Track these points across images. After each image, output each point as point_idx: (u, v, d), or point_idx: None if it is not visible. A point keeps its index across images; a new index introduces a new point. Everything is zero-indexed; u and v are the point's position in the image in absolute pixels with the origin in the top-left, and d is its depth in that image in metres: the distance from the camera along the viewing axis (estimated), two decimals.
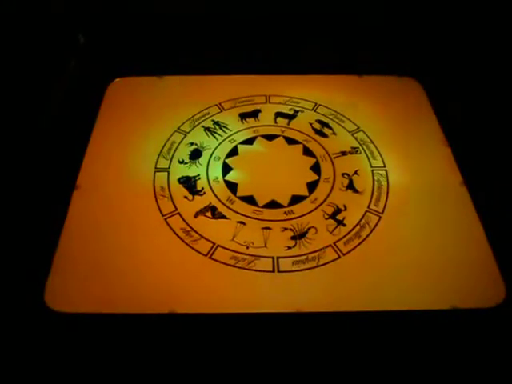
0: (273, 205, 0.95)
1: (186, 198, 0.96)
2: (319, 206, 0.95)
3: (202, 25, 1.24)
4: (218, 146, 1.05)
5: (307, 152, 1.05)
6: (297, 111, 1.12)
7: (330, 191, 0.97)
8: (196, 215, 0.93)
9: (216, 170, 1.01)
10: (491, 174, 1.00)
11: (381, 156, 1.04)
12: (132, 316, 0.80)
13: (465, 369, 0.77)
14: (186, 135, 1.07)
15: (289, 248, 0.89)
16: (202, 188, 0.98)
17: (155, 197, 0.96)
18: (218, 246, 0.89)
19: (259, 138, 1.07)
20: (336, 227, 0.92)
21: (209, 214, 0.94)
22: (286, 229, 0.91)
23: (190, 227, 0.91)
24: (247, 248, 0.89)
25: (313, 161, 1.03)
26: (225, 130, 1.08)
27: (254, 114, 1.12)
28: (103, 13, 1.21)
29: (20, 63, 1.13)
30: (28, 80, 1.11)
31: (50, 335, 0.79)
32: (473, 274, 0.86)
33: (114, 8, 1.21)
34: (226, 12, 1.23)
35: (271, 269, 0.86)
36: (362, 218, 0.93)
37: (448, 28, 1.21)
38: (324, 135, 1.08)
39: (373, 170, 1.01)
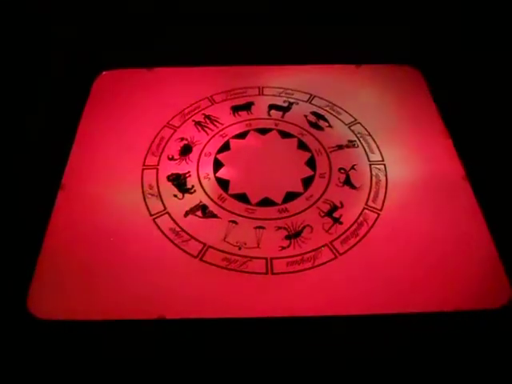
0: (266, 202, 0.91)
1: (175, 196, 0.92)
2: (315, 203, 0.91)
3: (192, 14, 1.19)
4: (209, 141, 1.01)
5: (302, 146, 1.00)
6: (291, 103, 1.08)
7: (326, 187, 0.93)
8: (186, 214, 0.89)
9: (207, 167, 0.97)
10: (495, 167, 0.96)
11: (379, 149, 0.99)
12: (119, 323, 0.77)
13: (470, 373, 0.74)
14: (175, 130, 1.03)
15: (283, 248, 0.85)
16: (193, 186, 0.94)
17: (143, 196, 0.92)
18: (209, 246, 0.85)
19: (252, 131, 1.03)
20: (332, 225, 0.88)
21: (199, 213, 0.90)
22: (280, 228, 0.88)
23: (180, 227, 0.88)
24: (239, 249, 0.85)
25: (308, 155, 0.99)
26: (216, 123, 1.04)
27: (247, 106, 1.07)
28: (87, 5, 1.16)
29: (2, 58, 1.09)
30: (11, 75, 1.07)
31: (33, 344, 0.75)
32: (476, 273, 0.83)
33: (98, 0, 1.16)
34: (214, 3, 1.19)
35: (264, 270, 0.83)
36: (360, 215, 0.89)
37: (449, 13, 1.16)
38: (319, 128, 1.03)
39: (371, 165, 0.97)
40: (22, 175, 0.93)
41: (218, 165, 0.97)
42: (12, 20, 1.15)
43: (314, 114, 1.06)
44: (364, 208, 0.90)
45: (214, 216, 0.89)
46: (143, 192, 0.93)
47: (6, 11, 1.13)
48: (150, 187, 0.93)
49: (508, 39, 1.12)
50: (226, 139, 1.01)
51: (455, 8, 1.16)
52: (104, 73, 1.13)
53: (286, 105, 1.07)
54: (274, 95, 1.09)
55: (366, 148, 1.00)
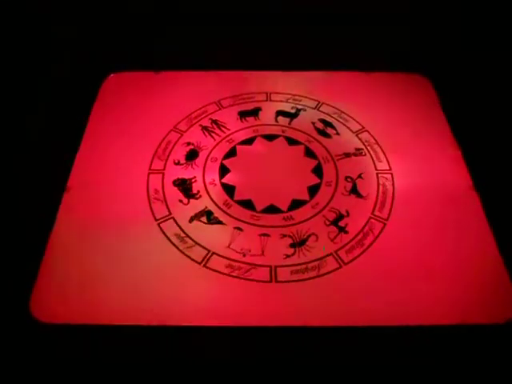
0: (271, 210, 0.91)
1: (180, 201, 0.92)
2: (320, 211, 0.90)
3: (201, 18, 1.18)
4: (215, 147, 1.01)
5: (309, 153, 1.00)
6: (299, 109, 1.07)
7: (332, 196, 0.93)
8: (191, 220, 0.89)
9: (213, 172, 0.96)
10: (503, 177, 0.94)
11: (386, 158, 0.98)
12: (121, 328, 0.76)
13: None
14: (182, 134, 1.03)
15: (287, 256, 0.84)
16: (198, 191, 0.93)
17: (149, 200, 0.92)
18: (213, 253, 0.85)
19: (259, 137, 1.02)
20: (338, 234, 0.87)
21: (204, 218, 0.89)
22: (284, 235, 0.87)
23: (185, 233, 0.87)
24: (244, 256, 0.84)
25: (315, 163, 0.98)
26: (223, 129, 1.04)
27: (254, 112, 1.07)
28: (96, 6, 1.16)
29: (10, 60, 1.09)
30: (19, 77, 1.07)
31: (35, 347, 0.75)
32: (483, 286, 0.82)
33: (107, 1, 1.16)
34: (226, 6, 1.18)
35: (268, 279, 0.82)
36: (366, 224, 0.88)
37: (462, 23, 1.15)
38: (327, 135, 1.03)
39: (378, 174, 0.96)
40: (28, 177, 0.93)
41: (224, 170, 0.97)
42: (15, 21, 1.15)
43: (322, 121, 1.05)
44: (370, 217, 0.90)
45: (219, 222, 0.89)
46: (148, 196, 0.92)
47: (8, 12, 1.13)
48: (156, 192, 0.93)
49: None
50: (232, 145, 1.01)
51: (467, 18, 1.15)
52: (112, 75, 1.13)
53: (293, 111, 1.07)
54: (281, 101, 1.09)
55: (374, 156, 0.99)
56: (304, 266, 0.83)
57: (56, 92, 1.07)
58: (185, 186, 0.94)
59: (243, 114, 1.06)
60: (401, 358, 0.74)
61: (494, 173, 0.95)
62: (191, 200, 0.92)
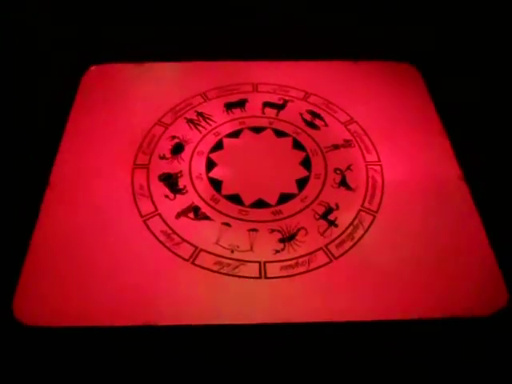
0: (260, 204, 0.89)
1: (166, 197, 0.90)
2: (309, 204, 0.89)
3: (184, 7, 1.15)
4: (201, 140, 0.98)
5: (297, 145, 0.98)
6: (286, 101, 1.05)
7: (322, 188, 0.91)
8: (178, 216, 0.87)
9: (199, 166, 0.94)
10: (493, 167, 0.94)
11: (375, 149, 0.97)
12: (107, 329, 0.74)
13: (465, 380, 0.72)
14: (167, 128, 1.00)
15: (277, 252, 0.83)
16: (185, 186, 0.91)
17: (134, 196, 0.90)
18: (201, 249, 0.83)
19: (246, 130, 1.00)
20: (327, 228, 0.86)
21: (191, 214, 0.87)
22: (273, 230, 0.85)
23: (171, 229, 0.85)
24: (232, 252, 0.83)
25: (303, 155, 0.96)
26: (209, 121, 1.01)
27: (241, 103, 1.04)
28: None
29: None
30: None
31: (19, 351, 0.73)
32: (473, 277, 0.81)
33: None
34: None
35: (258, 275, 0.80)
36: (355, 217, 0.87)
37: (448, 10, 1.14)
38: (315, 127, 1.01)
39: (367, 165, 0.95)
40: (9, 173, 0.90)
41: (210, 164, 0.95)
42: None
43: (310, 112, 1.03)
44: (360, 210, 0.88)
45: (207, 218, 0.87)
46: (133, 192, 0.90)
47: None
48: (141, 187, 0.91)
49: (507, 37, 1.09)
50: (218, 138, 0.99)
51: (455, 7, 1.13)
52: (93, 67, 1.09)
53: (280, 102, 1.05)
54: (268, 92, 1.07)
55: (363, 148, 0.97)
56: (294, 261, 0.82)
57: (35, 86, 1.03)
58: (171, 181, 0.92)
59: (229, 106, 1.04)
60: (391, 352, 0.74)
61: (483, 163, 0.94)
62: (177, 195, 0.90)
